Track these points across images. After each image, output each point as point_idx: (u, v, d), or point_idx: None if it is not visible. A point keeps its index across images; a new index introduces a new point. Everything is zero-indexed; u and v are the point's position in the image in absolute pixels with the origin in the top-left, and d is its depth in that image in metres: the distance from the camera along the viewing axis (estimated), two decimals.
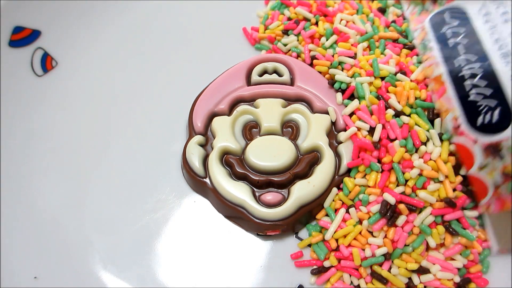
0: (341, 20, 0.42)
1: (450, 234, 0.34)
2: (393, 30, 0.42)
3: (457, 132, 0.34)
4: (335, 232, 0.34)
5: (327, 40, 0.41)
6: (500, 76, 0.33)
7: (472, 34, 0.36)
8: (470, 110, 0.34)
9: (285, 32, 0.43)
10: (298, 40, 0.42)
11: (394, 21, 0.43)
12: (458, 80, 0.35)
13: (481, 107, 0.33)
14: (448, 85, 0.35)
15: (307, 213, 0.36)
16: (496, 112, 0.33)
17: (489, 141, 0.32)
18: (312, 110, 0.39)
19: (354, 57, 0.39)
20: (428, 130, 0.35)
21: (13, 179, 0.38)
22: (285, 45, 0.43)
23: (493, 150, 0.33)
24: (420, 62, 0.39)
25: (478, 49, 0.35)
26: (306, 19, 0.43)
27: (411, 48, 0.40)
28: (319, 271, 0.34)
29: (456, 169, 0.35)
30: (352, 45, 0.40)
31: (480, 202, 0.34)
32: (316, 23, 0.43)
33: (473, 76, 0.34)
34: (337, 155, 0.37)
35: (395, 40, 0.41)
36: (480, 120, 0.33)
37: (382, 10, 0.44)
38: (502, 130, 0.32)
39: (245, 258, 0.36)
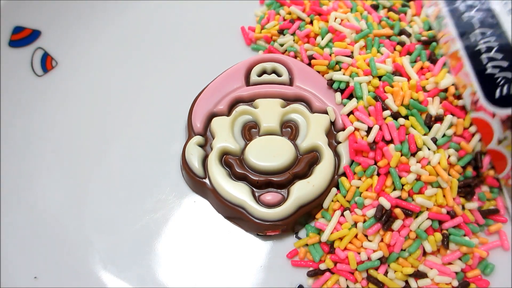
0: (336, 18, 0.42)
1: (444, 248, 0.34)
2: (385, 25, 0.42)
3: (475, 107, 0.34)
4: (330, 234, 0.34)
5: (322, 39, 0.41)
6: None
7: (486, 7, 0.36)
8: (488, 84, 0.34)
9: (281, 32, 0.43)
10: (294, 40, 0.42)
11: (388, 17, 0.43)
12: (474, 55, 0.35)
13: (498, 80, 0.33)
14: (464, 60, 0.35)
15: (307, 213, 0.36)
16: None
17: (507, 114, 0.33)
18: (311, 110, 0.39)
19: (351, 56, 0.39)
20: (424, 135, 0.35)
21: (13, 179, 0.39)
22: (281, 45, 0.43)
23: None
24: (415, 61, 0.39)
25: (493, 22, 0.35)
26: (300, 19, 0.43)
27: (402, 44, 0.40)
28: (315, 273, 0.34)
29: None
30: (349, 43, 0.40)
31: (500, 175, 0.35)
32: (311, 22, 0.43)
33: (489, 49, 0.34)
34: (337, 155, 0.37)
35: (388, 37, 0.41)
36: (498, 92, 0.33)
37: (375, 7, 0.44)
38: None
39: (245, 258, 0.36)
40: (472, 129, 0.35)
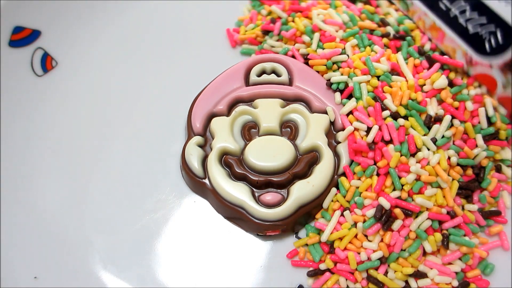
0: (318, 15, 0.41)
1: (444, 248, 0.34)
2: (365, 19, 0.42)
3: (471, 64, 0.35)
4: (330, 234, 0.34)
5: (311, 39, 0.41)
6: (487, 2, 0.35)
7: None
8: (475, 42, 0.35)
9: (266, 33, 0.43)
10: (283, 41, 0.42)
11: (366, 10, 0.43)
12: (451, 21, 0.36)
13: (484, 35, 0.34)
14: (444, 29, 0.36)
15: (307, 213, 0.36)
16: (499, 34, 0.34)
17: (503, 61, 0.33)
18: (311, 110, 0.39)
19: (343, 53, 0.39)
20: (424, 136, 0.35)
21: (13, 179, 0.39)
22: (272, 47, 0.43)
23: (510, 67, 0.34)
24: (406, 58, 0.39)
25: None
26: (281, 18, 0.43)
27: (387, 35, 0.40)
28: (315, 273, 0.34)
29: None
30: (340, 40, 0.40)
31: None
32: (293, 20, 0.42)
33: (462, 12, 0.35)
34: (336, 155, 0.37)
35: (372, 31, 0.41)
36: (487, 46, 0.34)
37: (353, 0, 0.44)
38: (510, 47, 0.34)
39: (245, 258, 0.36)
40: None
